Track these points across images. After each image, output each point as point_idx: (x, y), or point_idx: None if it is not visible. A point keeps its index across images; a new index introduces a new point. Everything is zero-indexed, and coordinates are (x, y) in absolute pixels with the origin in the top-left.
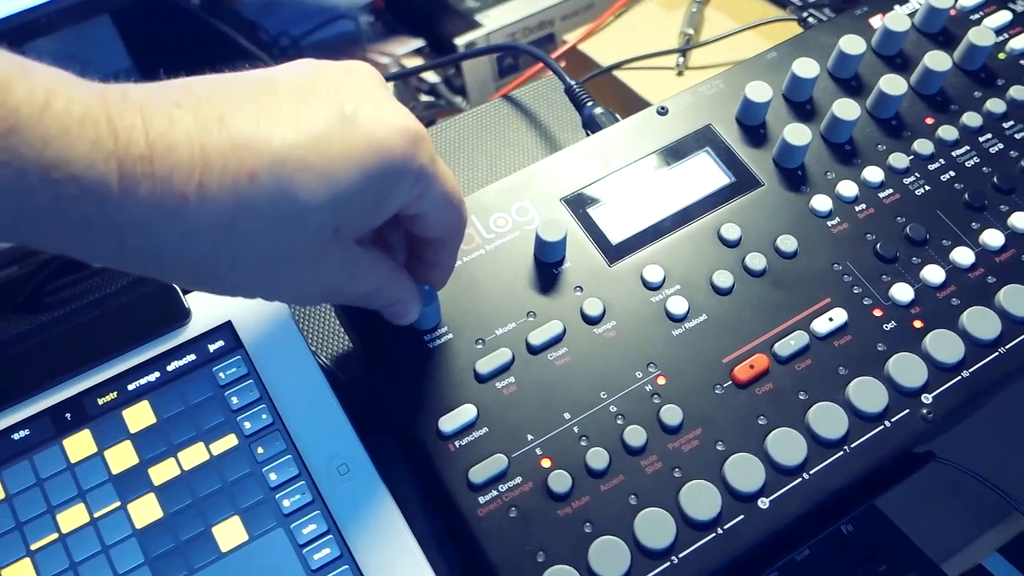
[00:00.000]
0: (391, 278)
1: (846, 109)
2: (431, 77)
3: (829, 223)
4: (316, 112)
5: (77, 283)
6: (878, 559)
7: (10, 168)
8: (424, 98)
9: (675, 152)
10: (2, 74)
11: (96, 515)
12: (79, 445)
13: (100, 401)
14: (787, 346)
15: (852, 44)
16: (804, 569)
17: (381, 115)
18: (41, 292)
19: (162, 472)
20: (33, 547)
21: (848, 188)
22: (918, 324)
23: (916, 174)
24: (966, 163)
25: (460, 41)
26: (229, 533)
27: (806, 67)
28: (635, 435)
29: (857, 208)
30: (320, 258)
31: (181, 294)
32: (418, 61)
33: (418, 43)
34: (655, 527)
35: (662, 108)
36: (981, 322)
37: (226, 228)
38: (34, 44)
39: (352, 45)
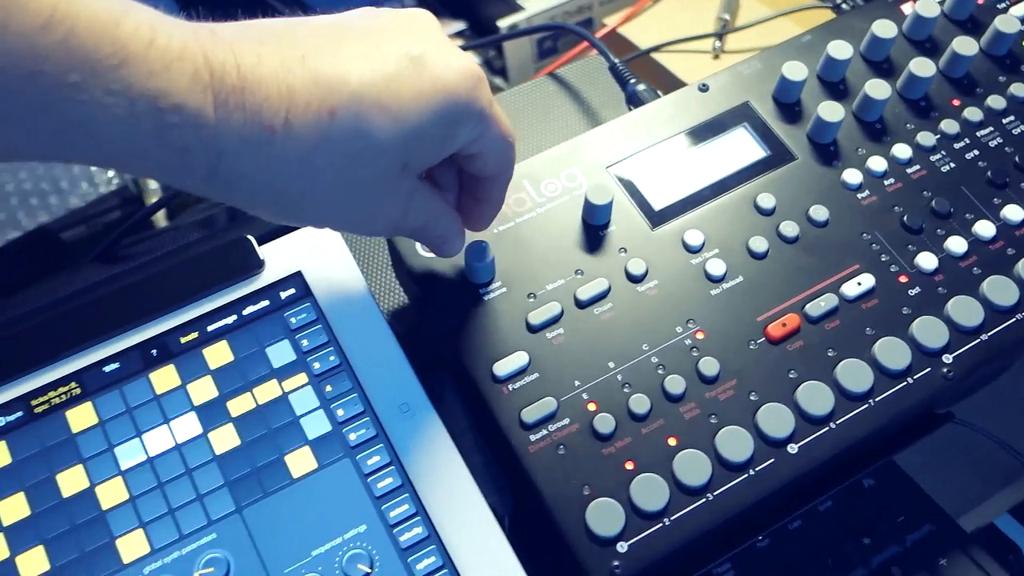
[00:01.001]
0: (441, 213)
1: (877, 89)
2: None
3: (859, 195)
4: (387, 53)
5: (150, 238)
6: (896, 511)
7: (123, 97)
8: None
9: (714, 126)
10: (112, 13)
11: (180, 441)
12: (164, 378)
13: (183, 340)
14: (818, 307)
15: (884, 28)
16: (826, 517)
17: (446, 58)
18: (117, 245)
19: (239, 405)
20: (124, 467)
21: (878, 163)
22: (941, 290)
23: (942, 152)
24: (989, 143)
25: (502, 24)
26: (300, 461)
27: (840, 49)
28: (675, 384)
29: (886, 182)
30: (387, 191)
31: (255, 245)
32: (459, 43)
33: (460, 25)
34: (692, 466)
35: (703, 85)
36: (1000, 290)
37: (307, 160)
38: None
39: None
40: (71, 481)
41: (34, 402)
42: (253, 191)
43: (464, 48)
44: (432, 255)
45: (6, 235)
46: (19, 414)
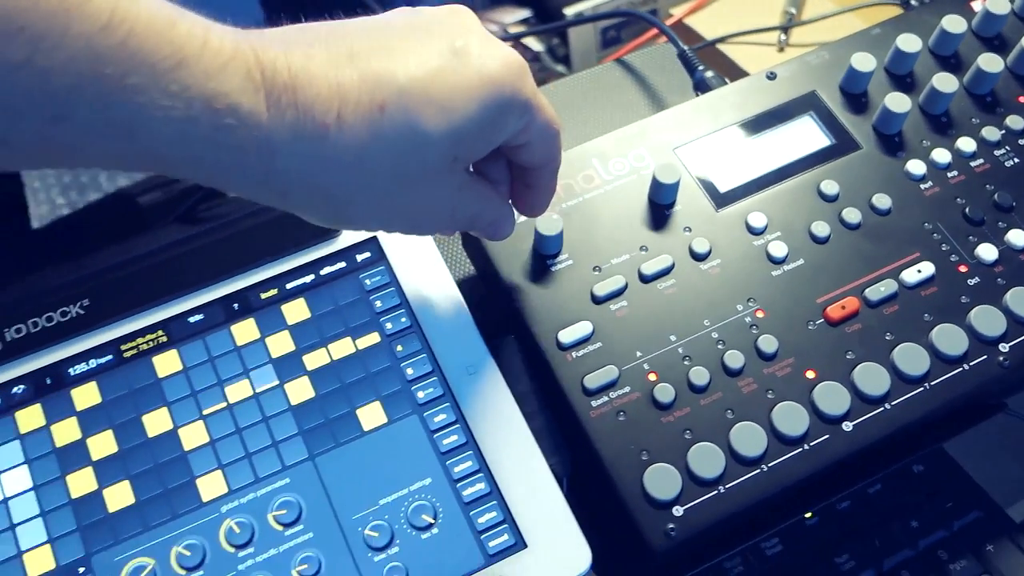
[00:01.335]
0: (490, 203)
1: (945, 83)
2: (535, 45)
3: (922, 186)
4: (431, 48)
5: (227, 203)
6: (944, 497)
7: (180, 99)
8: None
9: (781, 114)
10: (167, 15)
11: (258, 390)
12: (245, 331)
13: (263, 296)
14: (877, 292)
15: (954, 24)
16: (874, 499)
17: (490, 49)
18: (197, 208)
19: (314, 360)
20: (205, 412)
21: (942, 155)
22: (1000, 281)
23: (1007, 147)
24: None
25: (569, 11)
26: (371, 415)
27: (909, 42)
28: (734, 359)
29: (949, 174)
30: (438, 186)
31: None
32: (523, 30)
33: (525, 13)
34: (748, 438)
35: (771, 73)
36: None
37: (360, 156)
38: None
39: None
40: (156, 422)
41: (124, 347)
42: (308, 191)
43: (531, 33)
44: None
45: (88, 196)
46: (109, 357)
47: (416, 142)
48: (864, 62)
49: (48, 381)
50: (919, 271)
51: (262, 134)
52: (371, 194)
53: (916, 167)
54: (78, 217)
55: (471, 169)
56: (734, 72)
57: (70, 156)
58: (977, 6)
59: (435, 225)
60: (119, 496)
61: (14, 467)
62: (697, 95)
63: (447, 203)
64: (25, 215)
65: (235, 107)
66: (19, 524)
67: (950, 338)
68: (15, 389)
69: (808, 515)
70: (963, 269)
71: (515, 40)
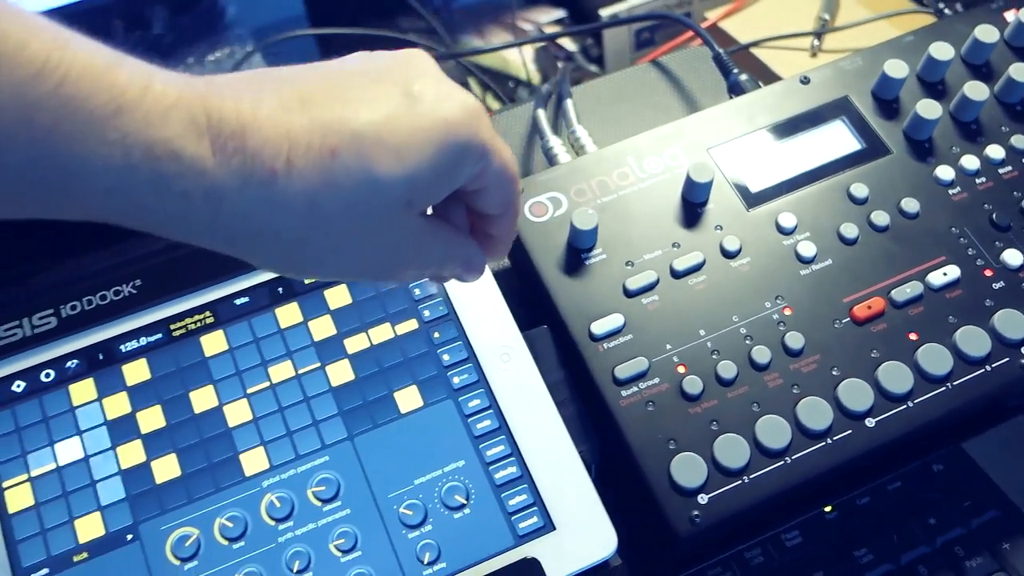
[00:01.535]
0: (456, 243)
1: (976, 91)
2: (569, 45)
3: (950, 191)
4: (386, 93)
5: None
6: (962, 496)
7: (118, 147)
8: (561, 64)
9: (814, 117)
10: (105, 61)
11: (300, 371)
12: (288, 314)
13: (306, 281)
14: (903, 293)
15: (987, 33)
16: (893, 496)
17: (445, 93)
18: None
19: (355, 343)
20: (249, 391)
21: (971, 162)
22: None
23: None
24: None
25: (604, 12)
26: (407, 398)
27: (942, 51)
28: (761, 354)
29: (978, 180)
30: (395, 232)
31: None
32: (558, 30)
33: (560, 13)
34: (773, 431)
35: (804, 77)
36: None
37: (311, 202)
38: None
39: (503, 11)
40: (202, 399)
41: (173, 326)
42: (257, 237)
43: (566, 34)
44: (542, 219)
45: None
46: (159, 336)
47: (369, 187)
48: (897, 69)
49: (100, 357)
50: (945, 274)
51: (207, 181)
52: (326, 241)
53: (945, 173)
54: None
55: (429, 213)
56: (767, 76)
57: (11, 205)
58: (1010, 16)
59: (399, 271)
60: (166, 468)
61: (67, 438)
62: (731, 97)
63: (409, 249)
64: None
65: (177, 153)
66: (71, 492)
67: (973, 340)
68: (69, 363)
69: (828, 509)
70: (988, 273)
71: (550, 40)
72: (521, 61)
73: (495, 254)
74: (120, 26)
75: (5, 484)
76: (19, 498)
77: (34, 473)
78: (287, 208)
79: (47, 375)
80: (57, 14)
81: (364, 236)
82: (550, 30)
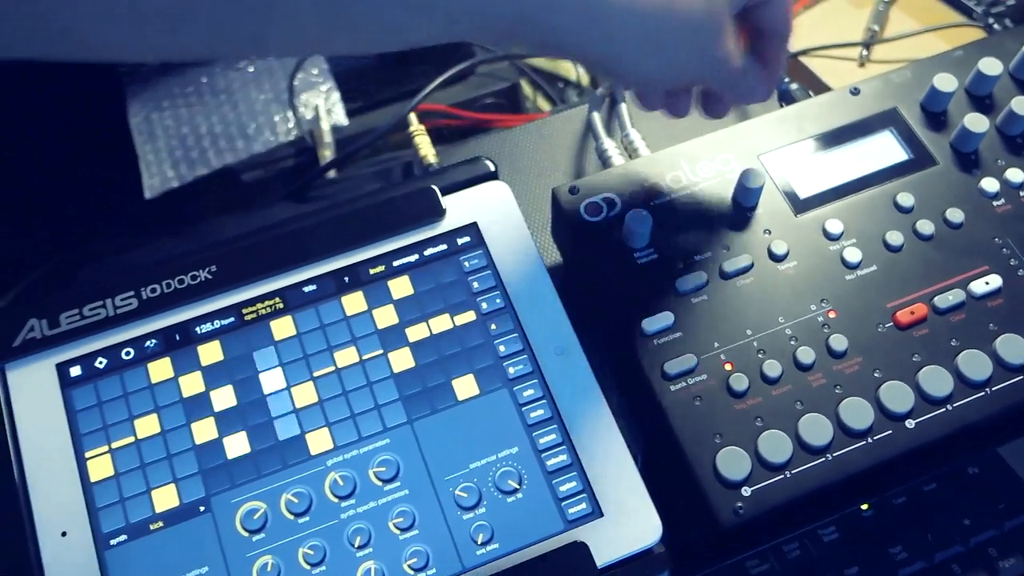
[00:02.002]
0: (748, 60)
1: (1023, 106)
2: None
3: (995, 203)
4: None
5: (334, 183)
6: (997, 498)
7: None
8: None
9: (862, 128)
10: None
11: (364, 357)
12: (353, 303)
13: (371, 271)
14: (945, 300)
15: None
16: (929, 497)
17: None
18: (309, 186)
19: (416, 332)
20: (315, 374)
21: (1016, 175)
22: None
23: None
24: None
25: None
26: (465, 387)
27: (991, 66)
28: (805, 354)
29: (1022, 193)
30: (721, 31)
31: (439, 195)
32: None
33: None
34: (816, 429)
35: (855, 89)
36: None
37: (667, 5)
38: None
39: None
40: (271, 381)
41: (245, 311)
42: (615, 42)
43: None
44: (597, 218)
45: (196, 171)
46: (232, 319)
47: None
48: (946, 82)
49: (177, 337)
50: (987, 283)
51: None
52: (670, 41)
53: (990, 184)
54: (187, 190)
55: None
56: (815, 84)
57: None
58: None
59: (715, 68)
60: (237, 445)
61: (146, 414)
62: (782, 106)
63: (727, 49)
64: (139, 186)
65: None
66: (148, 464)
67: (1013, 347)
68: (148, 343)
69: (865, 507)
70: None
71: None
72: (572, 63)
73: (767, 86)
74: None
75: (88, 454)
76: (101, 468)
77: (114, 445)
78: (645, 15)
79: (127, 353)
80: None
81: (693, 35)
82: None
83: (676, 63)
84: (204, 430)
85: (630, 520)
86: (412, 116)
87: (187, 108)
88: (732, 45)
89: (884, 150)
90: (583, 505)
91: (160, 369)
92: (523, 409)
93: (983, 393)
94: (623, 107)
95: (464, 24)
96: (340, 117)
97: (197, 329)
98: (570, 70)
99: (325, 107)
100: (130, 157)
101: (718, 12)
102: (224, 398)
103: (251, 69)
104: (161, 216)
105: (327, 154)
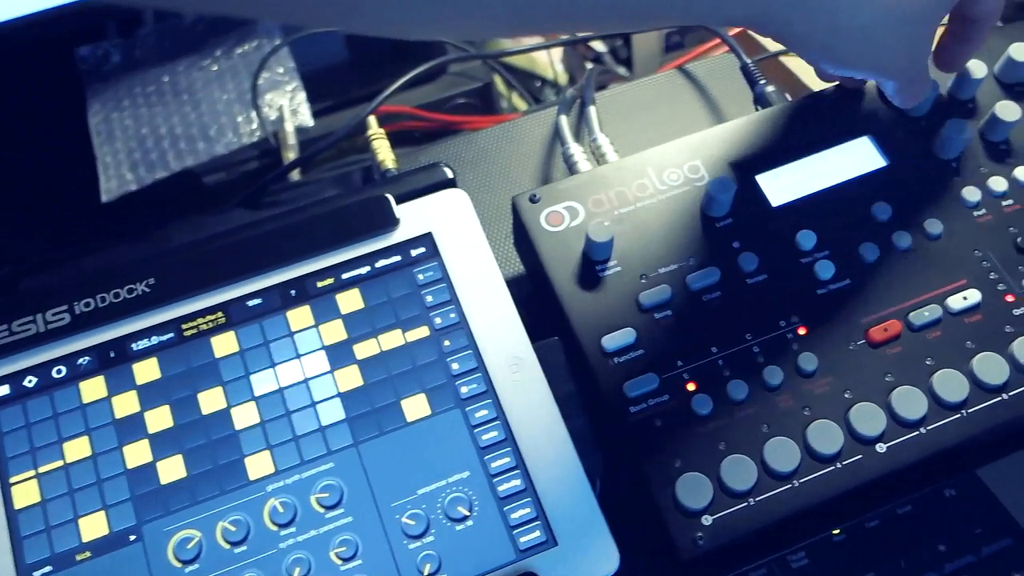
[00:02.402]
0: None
1: (1007, 111)
2: (599, 46)
3: (975, 213)
4: None
5: (290, 189)
6: (974, 522)
7: None
8: (589, 65)
9: (838, 133)
10: None
11: (308, 375)
12: (299, 317)
13: (319, 284)
14: (921, 316)
15: (1021, 52)
16: (904, 520)
17: None
18: (263, 192)
19: (365, 349)
20: (257, 394)
21: (998, 183)
22: None
23: None
24: None
25: None
26: (415, 407)
27: (975, 68)
28: (773, 374)
29: (1004, 203)
30: (934, 25)
31: (393, 204)
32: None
33: None
34: (782, 453)
35: (831, 92)
36: None
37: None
38: None
39: None
40: (210, 401)
41: (184, 326)
42: (847, 32)
43: (595, 37)
44: (558, 228)
45: (156, 174)
46: (171, 335)
47: None
48: None
49: (112, 355)
50: (965, 298)
51: None
52: (898, 32)
53: (971, 194)
54: (146, 193)
55: None
56: (795, 85)
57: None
58: None
59: (922, 64)
60: (172, 469)
61: (76, 436)
62: (757, 109)
63: (928, 45)
64: (95, 188)
65: None
66: (77, 490)
67: (991, 367)
68: (81, 360)
69: (836, 531)
70: (1010, 299)
71: (579, 43)
72: (548, 61)
73: (958, 61)
74: (151, 15)
75: (12, 480)
76: (26, 494)
77: (41, 470)
78: (877, 8)
79: (59, 371)
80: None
81: (911, 31)
82: None
83: (882, 58)
84: (137, 453)
85: (585, 549)
86: (371, 119)
87: (147, 108)
88: (928, 46)
89: (861, 157)
90: (536, 533)
91: (93, 388)
92: (475, 431)
93: (959, 415)
94: (592, 110)
95: (703, 8)
96: (305, 118)
97: (133, 346)
98: (546, 68)
99: (290, 107)
100: (88, 159)
101: (936, 12)
102: (160, 419)
103: (214, 68)
104: (118, 221)
105: (291, 156)
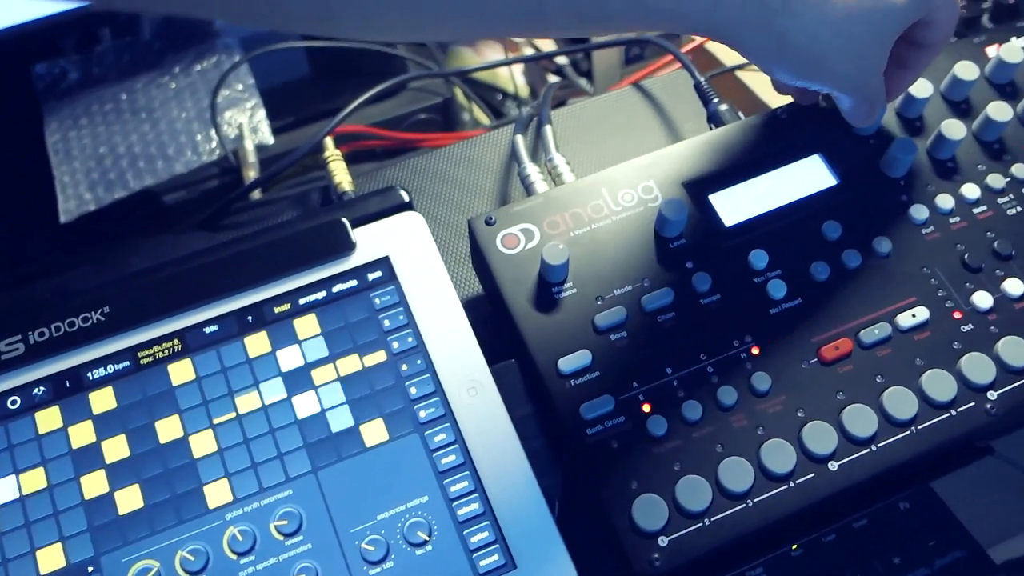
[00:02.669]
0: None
1: (953, 129)
2: (560, 59)
3: (924, 230)
4: None
5: (249, 209)
6: (928, 535)
7: None
8: (551, 78)
9: (790, 152)
10: None
11: (267, 403)
12: (257, 344)
13: (276, 310)
14: (871, 334)
15: (966, 70)
16: (859, 534)
17: None
18: (220, 215)
19: (322, 375)
20: (215, 421)
21: (945, 201)
22: (993, 329)
23: (1011, 195)
24: None
25: None
26: (373, 432)
27: (921, 87)
28: (727, 394)
29: (951, 220)
30: (885, 47)
31: (349, 228)
32: (550, 41)
33: None
34: (736, 473)
35: (782, 111)
36: None
37: (845, 18)
38: None
39: None
40: (168, 429)
41: (140, 354)
42: (797, 42)
43: (554, 54)
44: (514, 251)
45: (114, 193)
46: (126, 364)
47: (886, 10)
48: None
49: (67, 384)
50: (914, 315)
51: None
52: (847, 49)
53: (919, 212)
54: (105, 213)
55: None
56: (750, 100)
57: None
58: (992, 52)
59: (869, 80)
60: (129, 499)
61: (31, 467)
62: (711, 127)
63: (881, 64)
64: (54, 209)
65: None
66: (33, 522)
67: (939, 384)
68: (35, 391)
69: (793, 547)
70: (957, 315)
71: (540, 60)
72: (509, 74)
73: (896, 91)
74: (109, 32)
75: None
76: None
77: None
78: (829, 23)
79: (13, 402)
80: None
81: (872, 48)
82: (540, 40)
83: (833, 72)
84: (94, 484)
85: (544, 572)
86: (328, 141)
87: (106, 126)
88: (883, 65)
89: (812, 175)
90: (495, 557)
91: (48, 419)
92: (434, 455)
93: (909, 432)
94: (548, 130)
95: (660, 16)
96: (265, 135)
97: (89, 375)
98: (507, 82)
99: (250, 125)
100: (46, 178)
101: (888, 32)
102: (116, 449)
103: (173, 85)
104: (77, 241)
105: (251, 174)
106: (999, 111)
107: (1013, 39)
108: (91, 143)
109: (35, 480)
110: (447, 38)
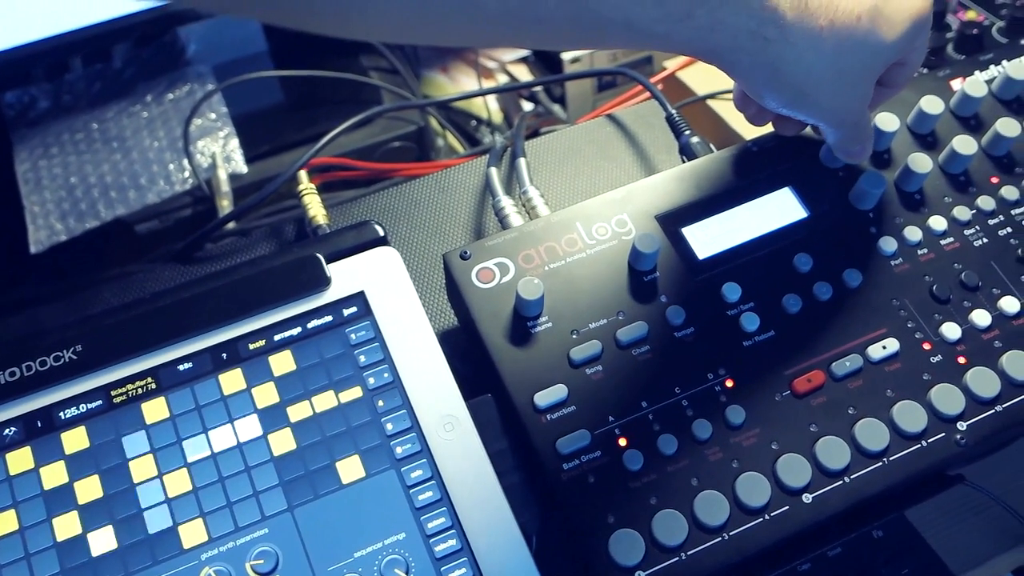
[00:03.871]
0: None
1: (919, 162)
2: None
3: (893, 262)
4: None
5: (222, 238)
6: (901, 563)
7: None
8: (525, 105)
9: (761, 185)
10: None
11: (242, 440)
12: (231, 381)
13: (251, 346)
14: (843, 366)
15: (932, 104)
16: (834, 563)
17: None
18: (193, 247)
19: (298, 412)
20: (190, 460)
21: (913, 233)
22: (962, 360)
23: (977, 227)
24: (1023, 222)
25: (566, 57)
26: (350, 469)
27: (887, 121)
28: (702, 428)
29: (920, 252)
30: (869, 83)
31: (324, 264)
32: (523, 68)
33: (524, 51)
34: (711, 507)
35: (753, 144)
36: (1018, 364)
37: (836, 52)
38: None
39: (466, 48)
40: (141, 469)
41: (113, 393)
42: (791, 74)
43: (528, 85)
44: (489, 285)
45: (86, 223)
46: (99, 402)
47: (874, 46)
48: None
49: (39, 424)
50: (884, 347)
51: (775, 30)
52: (837, 82)
53: (888, 244)
54: (76, 243)
55: None
56: (722, 129)
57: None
58: (957, 85)
59: (854, 115)
60: (103, 541)
61: (2, 509)
62: (682, 159)
63: (866, 99)
64: (24, 239)
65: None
66: (4, 566)
67: (910, 415)
68: (6, 431)
69: None
70: (927, 347)
71: (513, 90)
72: (483, 101)
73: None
74: (79, 60)
75: None
76: None
77: None
78: (822, 54)
79: None
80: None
81: (859, 83)
82: (513, 67)
83: (822, 105)
84: (67, 525)
85: None
86: (302, 174)
87: (76, 155)
88: (867, 100)
89: (783, 208)
90: None
91: (19, 459)
92: (411, 491)
93: (881, 463)
94: (522, 163)
95: (652, 38)
96: (239, 164)
97: (61, 414)
98: (481, 108)
99: (223, 154)
100: (16, 208)
101: (876, 67)
102: (89, 489)
103: (145, 114)
104: (48, 272)
105: (225, 204)
106: (964, 144)
107: (977, 72)
108: (62, 172)
109: (6, 523)
110: (435, 40)
